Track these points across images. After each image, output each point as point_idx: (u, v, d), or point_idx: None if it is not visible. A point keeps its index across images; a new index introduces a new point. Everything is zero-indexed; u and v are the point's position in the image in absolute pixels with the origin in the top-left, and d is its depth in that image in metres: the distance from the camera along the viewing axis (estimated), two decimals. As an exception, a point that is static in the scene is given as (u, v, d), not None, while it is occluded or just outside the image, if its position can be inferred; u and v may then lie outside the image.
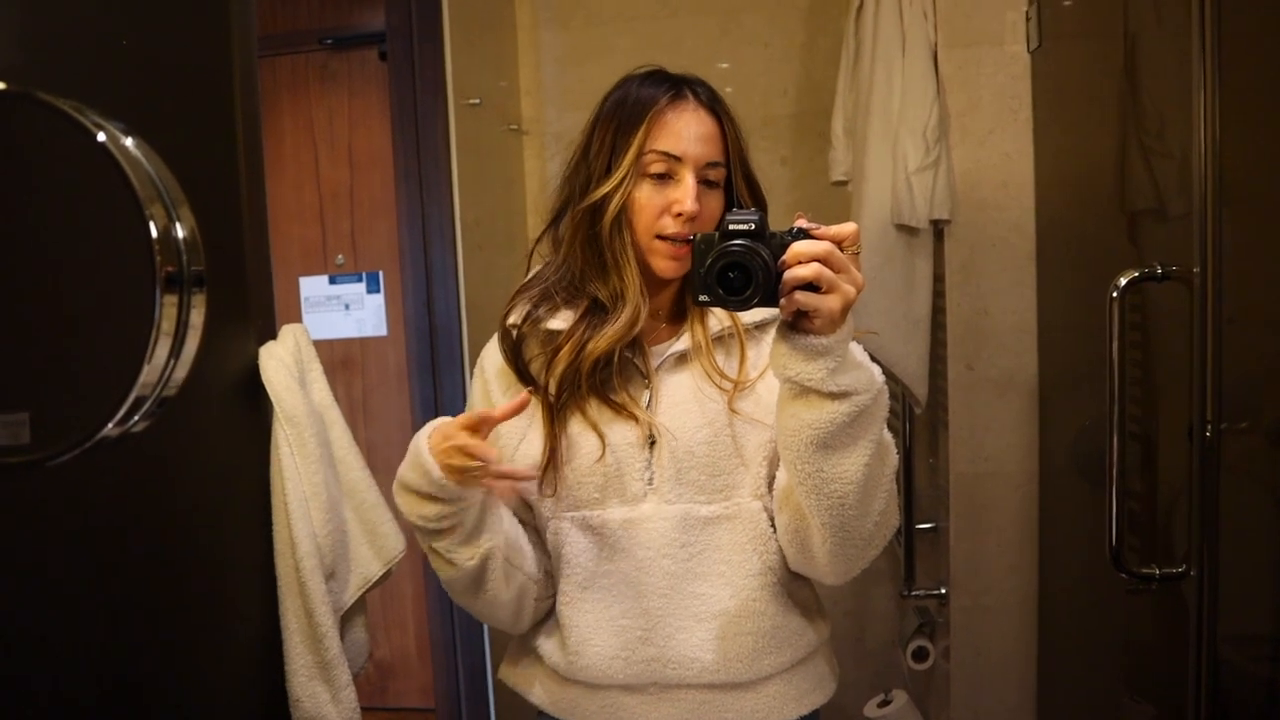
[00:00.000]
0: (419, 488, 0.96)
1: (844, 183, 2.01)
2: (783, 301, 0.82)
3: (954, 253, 1.84)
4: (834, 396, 0.85)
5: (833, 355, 0.83)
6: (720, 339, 1.06)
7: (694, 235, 0.86)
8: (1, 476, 0.76)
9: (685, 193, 1.00)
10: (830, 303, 0.80)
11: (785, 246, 0.82)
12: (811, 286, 0.80)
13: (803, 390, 0.85)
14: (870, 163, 1.82)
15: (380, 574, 1.12)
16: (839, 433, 0.86)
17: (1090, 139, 1.60)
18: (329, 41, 2.77)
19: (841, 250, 0.82)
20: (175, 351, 0.72)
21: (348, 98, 2.83)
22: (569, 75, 2.29)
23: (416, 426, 2.05)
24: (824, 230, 0.82)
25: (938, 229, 1.85)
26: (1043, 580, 1.85)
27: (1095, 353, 1.28)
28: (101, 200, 0.69)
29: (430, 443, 0.96)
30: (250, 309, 1.00)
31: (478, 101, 2.04)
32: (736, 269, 0.82)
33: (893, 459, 0.94)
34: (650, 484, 1.03)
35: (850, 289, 0.81)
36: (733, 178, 1.04)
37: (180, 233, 0.71)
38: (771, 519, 1.03)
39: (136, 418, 0.71)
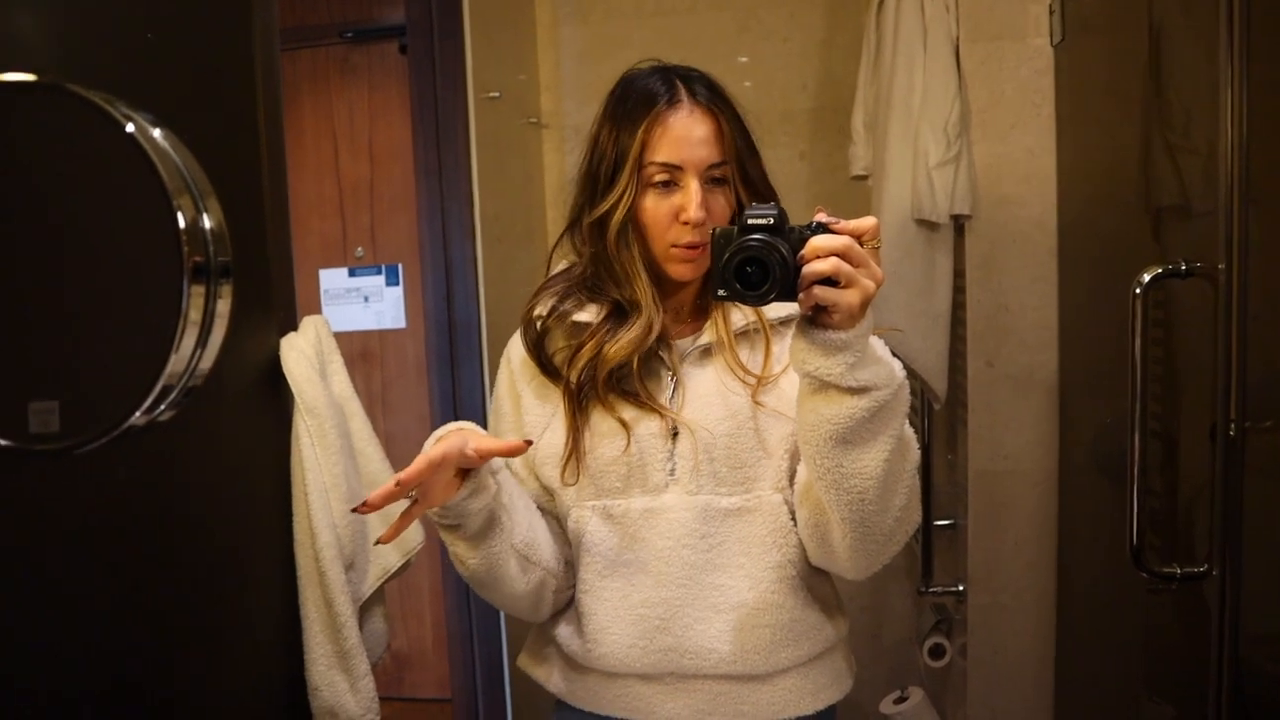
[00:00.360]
0: None
1: (864, 178, 2.00)
2: (801, 296, 0.81)
3: (974, 248, 1.83)
4: (853, 391, 0.84)
5: (852, 350, 0.82)
6: (745, 334, 1.07)
7: (713, 230, 0.86)
8: (31, 464, 0.77)
9: (690, 200, 1.00)
10: (849, 297, 0.80)
11: (804, 241, 0.81)
12: (830, 281, 0.80)
13: (822, 385, 0.85)
14: (891, 157, 1.81)
15: (399, 565, 1.13)
16: (858, 428, 0.86)
17: (1114, 134, 1.58)
18: (349, 35, 2.78)
19: (861, 245, 0.81)
20: (202, 341, 0.72)
21: (368, 91, 2.84)
22: (588, 69, 2.29)
23: (435, 419, 2.07)
24: (843, 225, 0.82)
25: (958, 224, 1.84)
26: (1061, 578, 1.84)
27: (1117, 350, 1.27)
28: (129, 191, 0.70)
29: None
30: (272, 300, 1.01)
31: (497, 95, 2.05)
32: (754, 264, 0.82)
33: (914, 455, 0.94)
34: (672, 474, 1.03)
35: (869, 284, 0.81)
36: (733, 178, 1.03)
37: (208, 223, 0.71)
38: (792, 512, 1.03)
39: (163, 407, 0.72)
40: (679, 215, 1.01)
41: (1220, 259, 1.10)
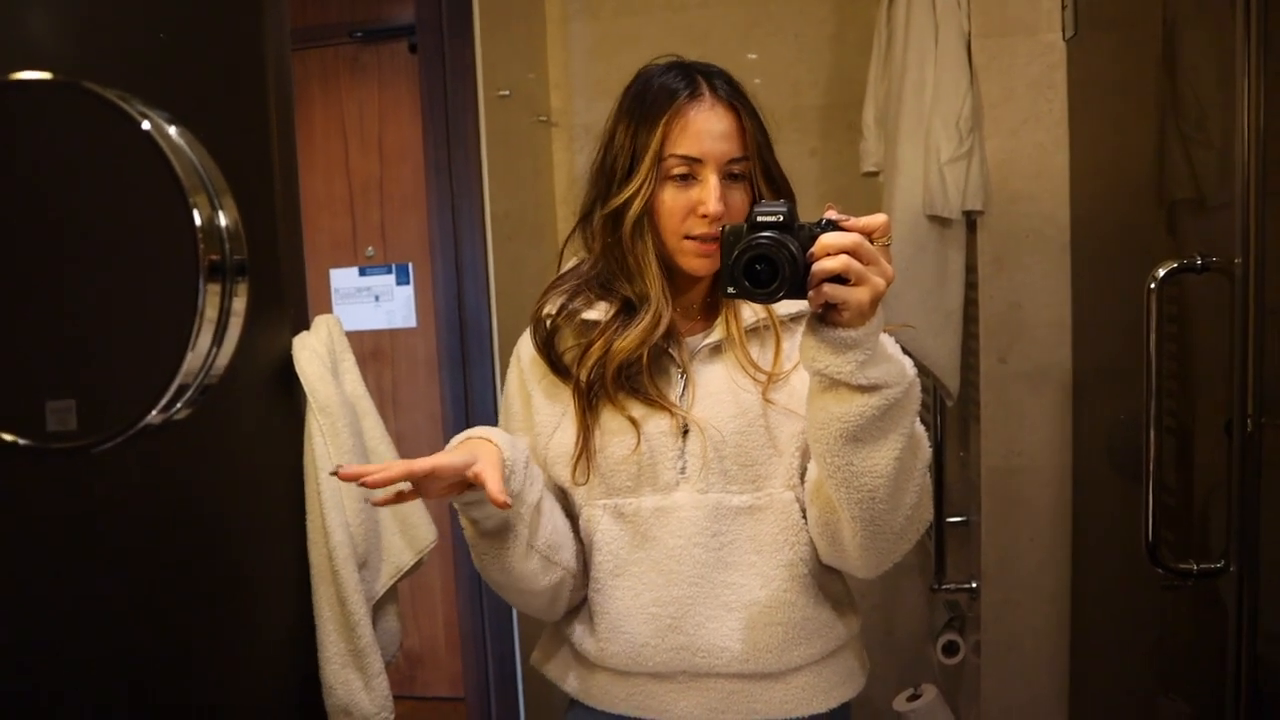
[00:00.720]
0: None
1: (875, 174, 1.99)
2: (811, 294, 0.81)
3: (987, 244, 1.82)
4: (863, 390, 0.84)
5: (862, 348, 0.82)
6: (755, 330, 1.06)
7: (723, 227, 0.85)
8: (48, 462, 0.78)
9: (709, 194, 1.00)
10: (859, 295, 0.80)
11: (814, 238, 0.81)
12: (841, 279, 0.80)
13: (832, 383, 0.85)
14: (902, 153, 1.80)
15: (412, 563, 1.14)
16: (869, 426, 0.86)
17: (1127, 128, 1.57)
18: (359, 34, 2.78)
19: (871, 242, 0.81)
20: (218, 340, 0.73)
21: (378, 90, 2.84)
22: (598, 66, 2.29)
23: (446, 418, 2.08)
24: (853, 222, 0.82)
25: (970, 220, 1.83)
26: (1075, 575, 1.83)
27: (1131, 345, 1.26)
28: (145, 189, 0.70)
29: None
30: (284, 299, 1.01)
31: (507, 93, 2.05)
32: (763, 261, 0.81)
33: (925, 453, 0.93)
34: (683, 473, 1.03)
35: (880, 281, 0.80)
36: (753, 173, 1.04)
37: (223, 221, 0.72)
38: (804, 510, 1.03)
39: (179, 405, 0.73)
40: (696, 208, 1.01)
41: (1236, 253, 1.10)
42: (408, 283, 2.90)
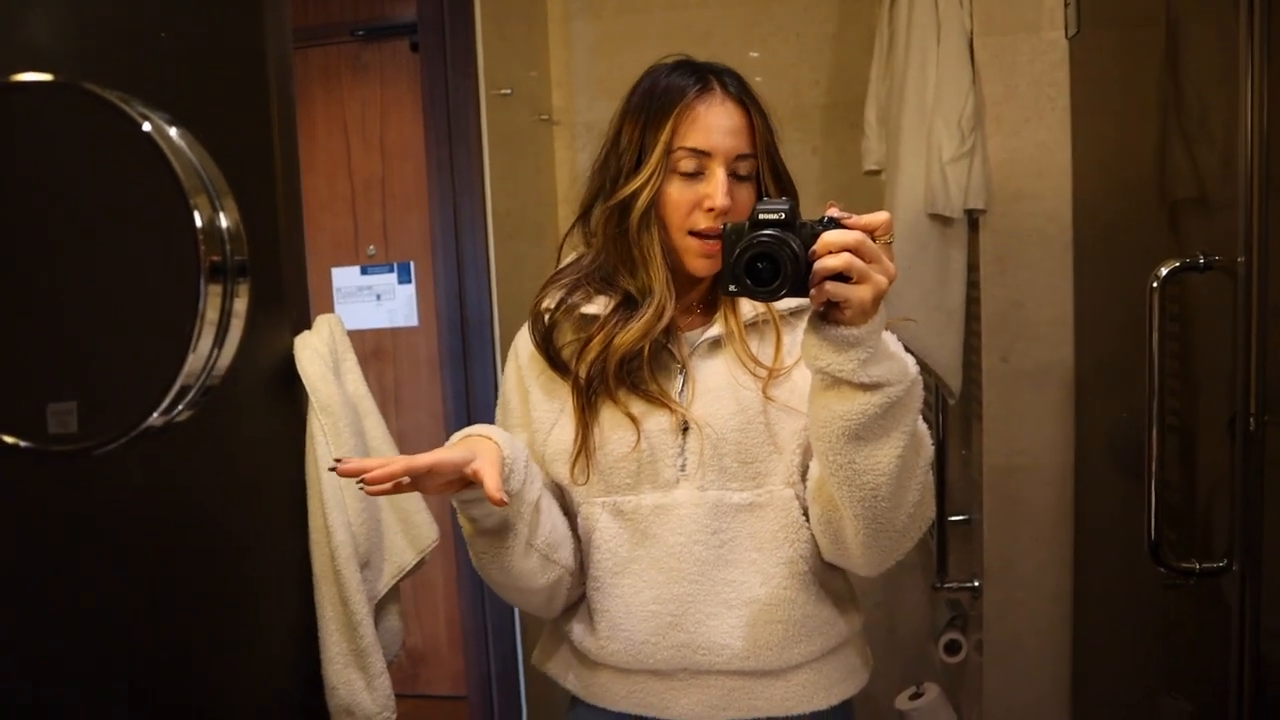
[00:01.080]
0: None
1: (877, 172, 1.99)
2: (813, 292, 0.81)
3: (989, 243, 1.82)
4: (866, 388, 0.84)
5: (864, 346, 0.82)
6: (755, 325, 1.06)
7: (724, 225, 0.85)
8: (50, 464, 0.78)
9: (716, 187, 1.00)
10: (861, 293, 0.80)
11: (816, 236, 0.81)
12: (843, 277, 0.80)
13: (834, 381, 0.85)
14: (904, 152, 1.80)
15: (414, 563, 1.14)
16: (871, 424, 0.85)
17: (1130, 126, 1.57)
18: (361, 33, 2.78)
19: (873, 240, 0.81)
20: (219, 341, 0.73)
21: (379, 88, 2.84)
22: (600, 65, 2.29)
23: (448, 416, 2.08)
24: (855, 220, 0.81)
25: (972, 219, 1.83)
26: (1078, 574, 1.83)
27: (1133, 344, 1.26)
28: (146, 190, 0.70)
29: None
30: (286, 299, 1.01)
31: (509, 92, 2.04)
32: (765, 259, 0.81)
33: (927, 451, 0.93)
34: (683, 470, 1.03)
35: (882, 279, 0.80)
36: (760, 170, 1.04)
37: (224, 222, 0.72)
38: (804, 507, 1.03)
39: (180, 407, 0.73)
40: (703, 202, 1.01)
41: (1239, 252, 1.09)
42: (409, 281, 2.90)
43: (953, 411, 2.09)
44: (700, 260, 1.03)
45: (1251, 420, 1.09)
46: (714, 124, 1.01)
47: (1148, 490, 1.22)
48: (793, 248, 0.81)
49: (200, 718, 0.93)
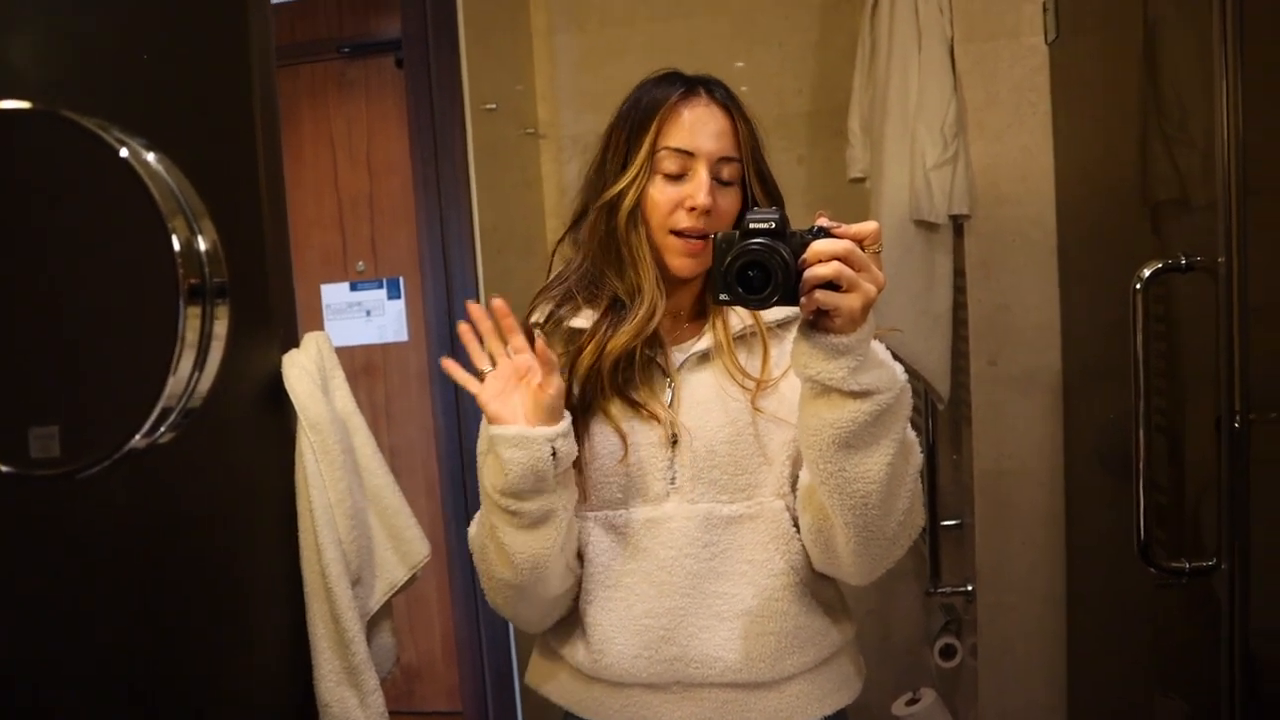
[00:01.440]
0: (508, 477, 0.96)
1: (862, 180, 2.00)
2: (803, 300, 0.81)
3: (974, 248, 1.83)
4: (855, 395, 0.84)
5: (854, 354, 0.82)
6: (743, 338, 1.07)
7: (715, 234, 0.86)
8: (33, 489, 0.77)
9: (698, 187, 1.01)
10: (851, 301, 0.80)
11: (805, 245, 0.81)
12: (832, 285, 0.80)
13: (824, 389, 0.85)
14: (888, 159, 1.81)
15: (406, 579, 1.13)
16: (861, 432, 0.86)
17: (1110, 130, 1.58)
18: (346, 50, 2.78)
19: (862, 249, 0.81)
20: (199, 363, 0.72)
21: (365, 105, 2.85)
22: (584, 78, 2.30)
23: (438, 431, 2.07)
24: (845, 229, 0.82)
25: (957, 224, 1.84)
26: (1070, 576, 1.83)
27: (1119, 345, 1.27)
28: (124, 215, 0.70)
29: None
30: (273, 318, 1.01)
31: (494, 106, 2.05)
32: (756, 268, 0.82)
33: (916, 458, 0.94)
34: (673, 483, 1.03)
35: (871, 288, 0.81)
36: (746, 175, 1.04)
37: (202, 245, 0.72)
38: (794, 518, 1.03)
39: (163, 429, 0.72)
40: (685, 202, 1.02)
41: (1220, 252, 1.10)
42: (399, 297, 2.90)
43: (942, 416, 2.09)
44: (682, 260, 1.03)
45: (1237, 419, 1.10)
46: (698, 125, 1.02)
47: (1136, 491, 1.23)
48: (783, 256, 0.81)
49: (192, 740, 0.93)
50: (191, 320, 0.70)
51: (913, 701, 2.06)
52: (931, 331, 1.83)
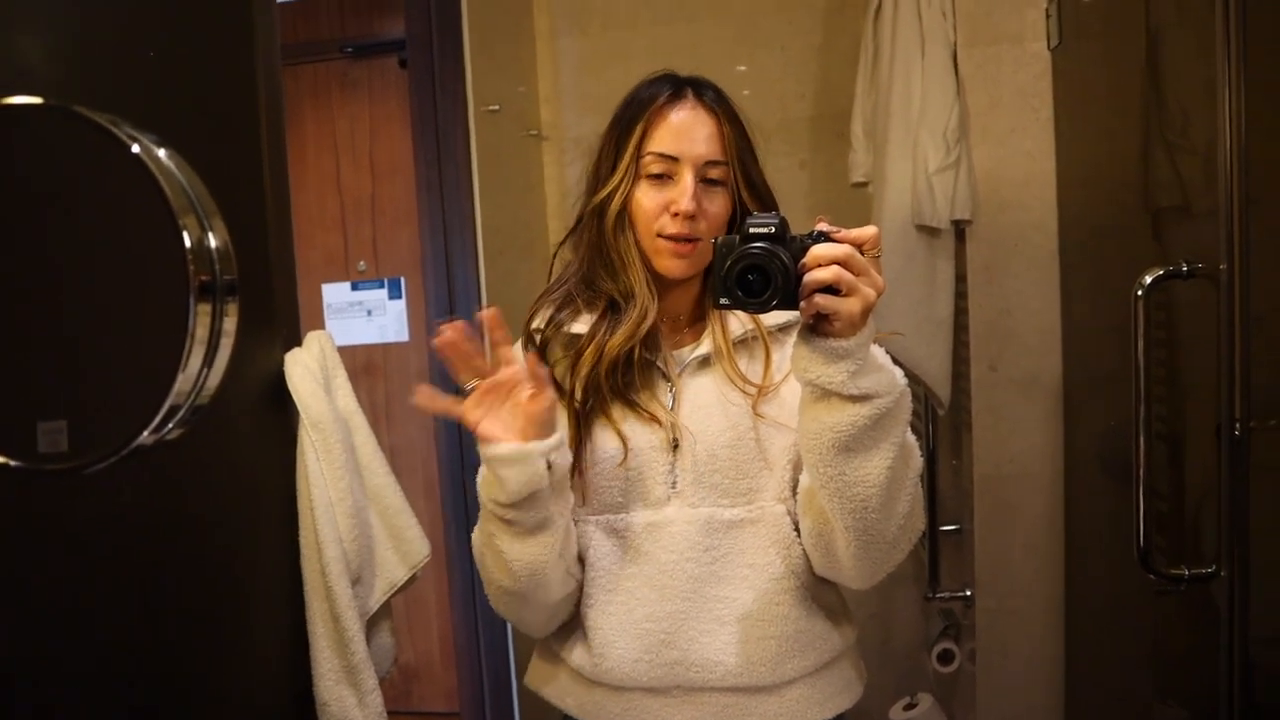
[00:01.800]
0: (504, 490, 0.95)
1: (864, 184, 2.00)
2: (803, 304, 0.82)
3: (976, 253, 1.83)
4: (855, 399, 0.84)
5: (854, 358, 0.83)
6: (743, 342, 1.07)
7: (715, 238, 0.86)
8: (41, 483, 0.78)
9: (682, 192, 1.01)
10: (850, 305, 0.80)
11: (805, 249, 0.82)
12: (832, 290, 0.80)
13: (824, 393, 0.85)
14: (890, 164, 1.81)
15: (405, 578, 1.13)
16: (861, 435, 0.86)
17: (1113, 136, 1.59)
18: (350, 50, 2.79)
19: (862, 254, 0.82)
20: (209, 360, 0.73)
21: (368, 105, 2.85)
22: (587, 80, 2.30)
23: (438, 432, 2.07)
24: (844, 233, 0.82)
25: (959, 229, 1.84)
26: (1069, 582, 1.83)
27: (1120, 352, 1.27)
28: (135, 211, 0.71)
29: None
30: (276, 317, 1.01)
31: (497, 108, 2.05)
32: (756, 271, 0.82)
33: (916, 462, 0.94)
34: (674, 487, 1.03)
35: (870, 292, 0.81)
36: (734, 178, 1.04)
37: (213, 242, 0.72)
38: (795, 522, 1.03)
39: (171, 425, 0.73)
40: (670, 206, 1.02)
41: (1222, 259, 1.11)
42: (400, 297, 2.90)
43: (943, 421, 2.09)
44: (671, 261, 1.04)
45: (1237, 426, 1.10)
46: (682, 129, 1.02)
47: (1136, 497, 1.23)
48: (783, 260, 0.82)
49: (192, 738, 0.93)
50: (202, 317, 0.71)
51: (910, 706, 2.06)
52: (933, 336, 1.83)
